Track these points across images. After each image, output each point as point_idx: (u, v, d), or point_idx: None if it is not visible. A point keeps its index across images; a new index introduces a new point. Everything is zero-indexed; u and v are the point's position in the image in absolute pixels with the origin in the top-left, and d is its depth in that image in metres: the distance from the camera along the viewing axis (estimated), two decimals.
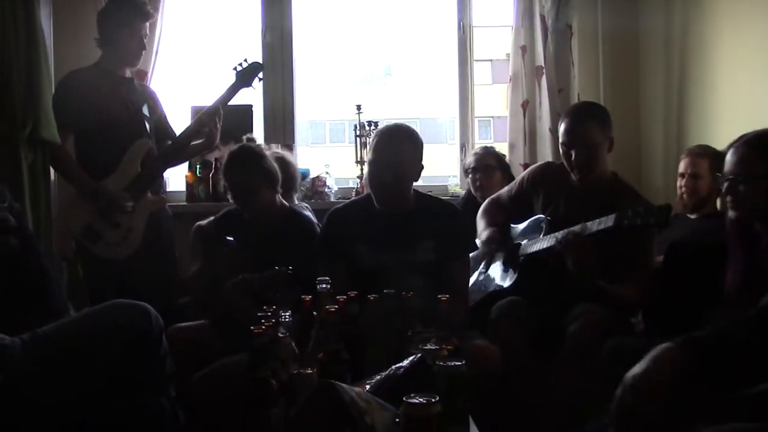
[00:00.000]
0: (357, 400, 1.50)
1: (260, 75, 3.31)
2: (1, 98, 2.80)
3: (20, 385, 1.95)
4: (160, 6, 3.78)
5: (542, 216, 2.77)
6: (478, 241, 2.90)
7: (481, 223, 2.96)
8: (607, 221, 2.40)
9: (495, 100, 10.02)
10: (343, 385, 1.54)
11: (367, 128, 4.02)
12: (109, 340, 2.06)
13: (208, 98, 3.30)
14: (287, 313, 2.03)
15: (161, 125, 3.35)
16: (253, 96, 4.04)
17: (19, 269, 2.20)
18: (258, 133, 4.08)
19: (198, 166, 3.93)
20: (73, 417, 2.01)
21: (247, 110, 4.02)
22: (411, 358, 1.73)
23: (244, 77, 3.27)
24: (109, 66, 3.18)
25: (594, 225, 2.44)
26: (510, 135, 4.03)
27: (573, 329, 2.46)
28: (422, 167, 2.64)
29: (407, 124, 2.74)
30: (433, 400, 1.39)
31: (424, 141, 2.65)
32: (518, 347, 2.51)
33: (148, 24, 3.23)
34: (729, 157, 2.02)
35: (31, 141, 2.87)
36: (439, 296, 2.03)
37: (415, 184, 2.68)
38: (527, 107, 3.96)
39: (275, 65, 4.11)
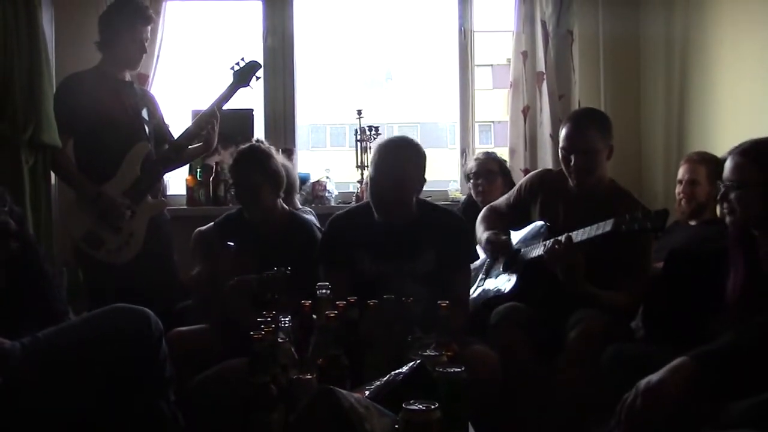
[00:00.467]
0: (356, 406, 1.50)
1: (258, 74, 3.29)
2: (2, 101, 2.81)
3: (20, 389, 1.95)
4: (161, 10, 3.79)
5: (542, 222, 2.77)
6: (478, 246, 2.90)
7: (480, 229, 2.96)
8: (605, 226, 2.40)
9: (496, 105, 10.03)
10: (343, 390, 1.54)
11: (368, 132, 4.03)
12: (109, 344, 2.06)
13: (209, 102, 3.29)
14: (287, 319, 2.03)
15: (160, 129, 3.35)
16: (253, 100, 4.05)
17: (19, 273, 2.20)
18: (258, 137, 4.08)
19: (198, 170, 3.93)
20: (73, 421, 2.01)
21: (247, 114, 4.02)
22: (411, 364, 1.72)
23: (242, 77, 3.26)
24: (109, 69, 3.18)
25: (582, 234, 2.45)
26: (510, 140, 4.03)
27: (573, 335, 2.46)
28: (425, 181, 2.62)
29: (409, 136, 2.72)
30: (432, 406, 1.39)
31: (424, 145, 2.65)
32: (518, 352, 2.50)
33: (149, 28, 3.24)
34: (726, 165, 2.05)
35: (32, 144, 2.88)
36: (439, 302, 2.03)
37: None
38: (528, 113, 3.96)
39: (276, 69, 4.11)
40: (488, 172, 3.56)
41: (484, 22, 4.29)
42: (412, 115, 17.71)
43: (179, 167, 3.55)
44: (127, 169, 3.12)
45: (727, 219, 2.07)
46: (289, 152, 3.89)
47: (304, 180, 4.05)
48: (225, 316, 2.63)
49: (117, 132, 3.10)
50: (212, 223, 3.04)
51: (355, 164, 4.06)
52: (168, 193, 3.98)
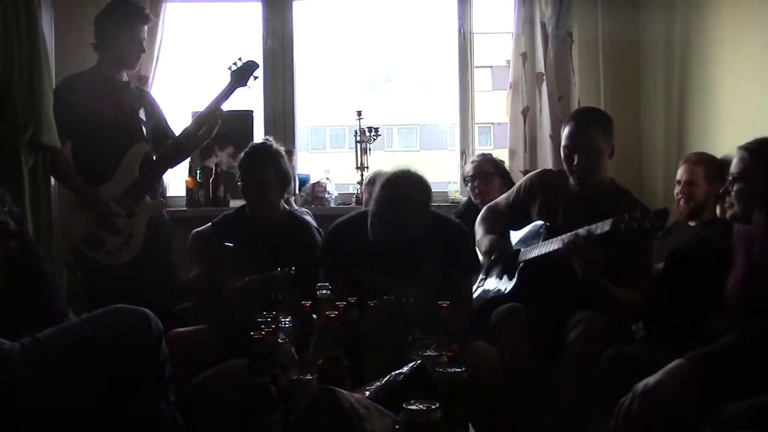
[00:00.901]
0: (357, 406, 1.50)
1: (256, 74, 3.28)
2: (2, 102, 2.81)
3: (20, 390, 1.95)
4: (161, 11, 3.79)
5: (541, 222, 2.77)
6: (477, 250, 2.90)
7: (479, 230, 2.96)
8: (604, 226, 2.40)
9: (495, 107, 10.05)
10: (343, 391, 1.54)
11: (368, 134, 4.03)
12: (109, 344, 2.06)
13: (207, 102, 3.28)
14: (287, 319, 2.03)
15: (160, 128, 3.35)
16: (253, 101, 4.05)
17: (18, 273, 2.20)
18: (258, 138, 4.07)
19: (198, 171, 3.93)
20: (72, 421, 2.01)
21: (247, 116, 4.03)
22: (411, 364, 1.72)
23: (239, 77, 3.26)
24: (105, 70, 3.18)
25: (596, 229, 2.44)
26: (510, 142, 4.03)
27: (573, 336, 2.46)
28: (430, 216, 2.59)
29: (412, 171, 2.61)
30: (433, 406, 1.39)
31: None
32: (519, 353, 2.50)
33: (146, 28, 3.24)
34: (732, 161, 2.10)
35: (32, 145, 2.88)
36: (439, 303, 2.03)
37: None
38: (527, 114, 3.96)
39: (276, 70, 4.12)
40: (484, 174, 3.56)
41: (483, 23, 4.30)
42: (411, 116, 17.73)
43: (183, 161, 3.53)
44: (126, 170, 3.12)
45: (728, 213, 2.09)
46: (289, 153, 3.89)
47: (304, 181, 4.05)
48: (224, 316, 2.63)
49: (115, 133, 3.10)
50: (209, 223, 3.04)
51: (354, 165, 4.07)
52: (168, 194, 3.97)
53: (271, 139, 3.02)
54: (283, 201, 2.92)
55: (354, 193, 4.11)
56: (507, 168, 3.76)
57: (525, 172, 3.76)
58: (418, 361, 1.72)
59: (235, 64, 3.27)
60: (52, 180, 3.11)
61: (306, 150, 14.83)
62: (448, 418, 1.46)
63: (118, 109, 3.14)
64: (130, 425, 2.10)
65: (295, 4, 4.15)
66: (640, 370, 1.85)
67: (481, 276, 2.95)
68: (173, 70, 4.34)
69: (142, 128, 3.21)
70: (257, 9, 4.13)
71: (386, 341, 2.00)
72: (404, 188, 2.55)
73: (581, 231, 2.44)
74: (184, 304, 3.06)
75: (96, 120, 3.07)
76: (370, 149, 4.06)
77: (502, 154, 3.92)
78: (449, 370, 1.57)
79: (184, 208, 3.92)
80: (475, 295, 2.86)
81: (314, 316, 2.09)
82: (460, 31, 4.17)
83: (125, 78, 3.26)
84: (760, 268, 2.02)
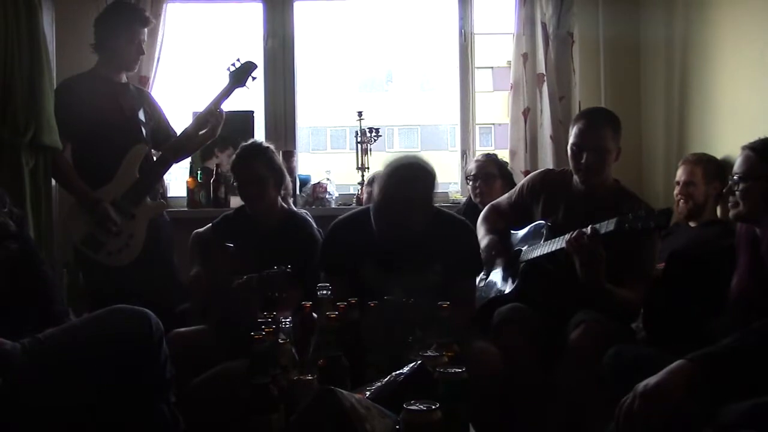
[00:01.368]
0: (357, 406, 1.50)
1: (254, 74, 3.29)
2: (3, 103, 2.81)
3: (20, 390, 1.95)
4: (162, 12, 3.79)
5: (542, 222, 2.77)
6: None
7: (481, 229, 2.96)
8: (609, 225, 2.40)
9: (496, 108, 10.05)
10: (343, 391, 1.54)
11: (368, 135, 4.03)
12: (110, 345, 2.06)
13: (207, 103, 3.29)
14: (287, 319, 2.03)
15: (161, 128, 3.35)
16: (254, 102, 4.06)
17: (19, 274, 2.21)
18: (259, 139, 4.08)
19: (199, 172, 3.93)
20: (73, 422, 2.01)
21: (248, 116, 4.02)
22: (411, 364, 1.72)
23: (238, 77, 3.27)
24: (104, 72, 3.18)
25: (601, 228, 2.44)
26: (511, 142, 4.03)
27: (574, 336, 2.46)
28: (433, 205, 2.58)
29: (419, 157, 2.61)
30: (433, 407, 1.39)
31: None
32: (520, 353, 2.50)
33: (146, 30, 3.24)
34: (736, 160, 2.11)
35: (33, 146, 2.88)
36: (439, 303, 2.03)
37: None
38: (528, 114, 3.96)
39: (276, 71, 4.12)
40: (486, 175, 3.55)
41: (484, 24, 4.29)
42: (412, 117, 17.73)
43: (187, 157, 3.54)
44: (126, 171, 3.12)
45: (731, 212, 2.10)
46: (289, 154, 3.90)
47: (304, 182, 4.05)
48: (225, 317, 2.64)
49: (114, 135, 3.11)
50: (209, 224, 3.04)
51: (355, 166, 4.07)
52: (168, 195, 3.98)
53: (259, 140, 3.03)
54: (281, 199, 2.92)
55: (355, 194, 4.11)
56: (510, 170, 3.76)
57: (526, 173, 3.76)
58: (419, 362, 1.72)
59: (233, 64, 3.27)
60: (53, 181, 3.11)
61: (307, 151, 14.85)
62: (449, 418, 1.46)
63: (117, 111, 3.15)
64: (131, 426, 2.10)
65: (295, 5, 4.14)
66: (640, 370, 1.85)
67: (482, 276, 2.95)
68: (174, 70, 4.34)
69: (141, 129, 3.21)
70: (258, 9, 4.13)
71: (387, 342, 2.00)
72: (407, 178, 2.49)
73: (585, 230, 2.44)
74: (184, 305, 3.06)
75: (95, 122, 3.07)
76: (370, 150, 4.06)
77: (503, 155, 3.92)
78: (450, 370, 1.57)
79: (185, 209, 3.92)
80: (476, 295, 2.86)
81: (315, 315, 2.09)
82: (460, 32, 4.17)
83: (124, 79, 3.26)
84: (766, 267, 2.02)
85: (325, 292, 2.13)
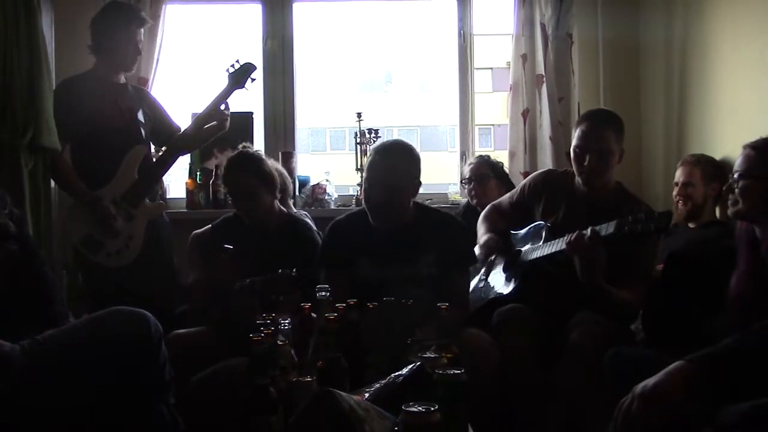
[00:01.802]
0: (356, 408, 1.50)
1: (253, 76, 3.29)
2: (2, 105, 2.81)
3: (20, 392, 1.95)
4: (161, 13, 3.79)
5: (542, 223, 2.77)
6: (477, 247, 2.90)
7: (481, 229, 2.96)
8: (608, 228, 2.40)
9: (495, 109, 10.04)
10: (342, 393, 1.54)
11: (368, 136, 4.02)
12: (109, 347, 2.06)
13: (205, 104, 3.29)
14: (286, 321, 2.03)
15: (163, 126, 3.34)
16: (253, 103, 4.05)
17: (18, 275, 2.20)
18: (258, 140, 4.09)
19: (198, 173, 3.93)
20: (72, 424, 2.01)
21: (247, 117, 4.02)
22: (410, 366, 1.72)
23: (237, 79, 3.26)
24: (103, 73, 3.18)
25: (601, 230, 2.45)
26: (510, 143, 4.03)
27: (574, 337, 2.46)
28: (419, 183, 2.64)
29: (403, 139, 2.76)
30: (432, 408, 1.39)
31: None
32: (520, 353, 2.51)
33: (143, 30, 3.23)
34: (737, 159, 2.12)
35: (32, 147, 2.88)
36: (438, 304, 2.03)
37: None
38: (527, 115, 3.96)
39: (276, 72, 4.12)
40: (480, 176, 3.56)
41: (483, 25, 4.29)
42: (411, 118, 17.72)
43: (190, 153, 3.52)
44: (125, 172, 3.12)
45: (731, 210, 2.10)
46: (288, 155, 3.90)
47: (304, 183, 4.05)
48: (225, 318, 2.63)
49: (113, 136, 3.10)
50: (209, 225, 3.04)
51: (354, 167, 4.06)
52: (168, 196, 3.97)
53: (248, 144, 3.03)
54: (278, 202, 2.91)
55: (354, 195, 4.11)
56: (506, 169, 3.76)
57: (525, 174, 3.76)
58: (418, 363, 1.72)
59: (233, 66, 3.27)
60: (52, 182, 3.11)
61: (306, 152, 14.81)
62: (448, 419, 1.45)
63: (116, 112, 3.14)
64: (130, 428, 2.10)
65: (295, 6, 4.14)
66: (640, 371, 1.84)
67: (481, 276, 2.95)
68: (173, 71, 4.34)
69: (140, 130, 3.21)
70: (257, 11, 4.13)
71: (386, 343, 2.00)
72: (390, 151, 2.64)
73: (585, 231, 2.44)
74: (184, 306, 3.06)
75: (94, 122, 3.07)
76: (370, 151, 4.05)
77: (502, 156, 3.92)
78: (449, 371, 1.57)
79: (184, 210, 3.92)
80: (475, 296, 2.87)
81: (313, 315, 2.09)
82: (460, 33, 4.17)
83: (123, 80, 3.25)
84: (765, 267, 2.02)
85: (324, 293, 2.13)
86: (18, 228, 2.22)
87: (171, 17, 3.94)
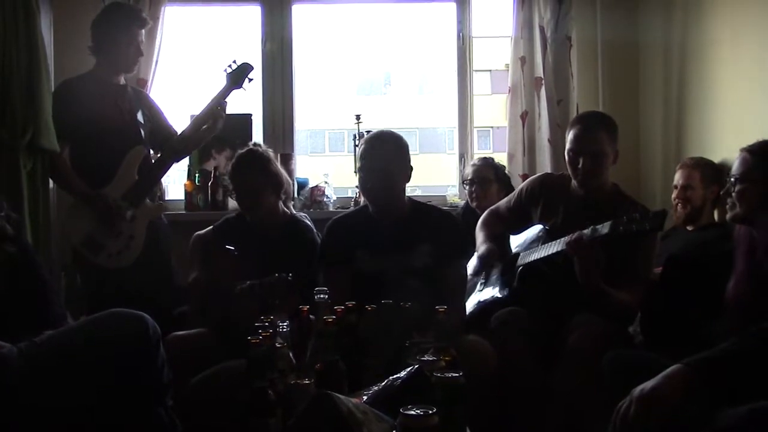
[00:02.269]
0: (354, 411, 1.50)
1: (251, 76, 3.30)
2: (1, 106, 2.81)
3: (18, 394, 1.95)
4: (160, 14, 3.78)
5: (540, 226, 2.77)
6: (476, 255, 2.89)
7: (480, 235, 2.96)
8: (603, 228, 2.41)
9: (494, 111, 10.03)
10: (341, 396, 1.54)
11: None
12: (107, 348, 2.05)
13: (204, 105, 3.28)
14: (285, 323, 2.03)
15: (161, 128, 3.34)
16: (252, 104, 4.05)
17: (16, 278, 2.20)
18: (256, 144, 4.07)
19: (197, 175, 3.93)
20: (70, 426, 2.01)
21: (246, 119, 4.02)
22: (409, 369, 1.72)
23: (235, 79, 3.27)
24: (103, 74, 3.18)
25: (596, 231, 2.45)
26: (509, 145, 4.03)
27: (573, 340, 2.46)
28: (411, 168, 2.71)
29: (393, 131, 2.85)
30: (430, 411, 1.38)
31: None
32: (519, 356, 2.51)
33: (143, 31, 3.23)
34: (734, 162, 2.13)
35: (31, 149, 2.88)
36: (436, 307, 2.03)
37: (414, 194, 2.70)
38: (526, 118, 3.96)
39: (275, 74, 4.12)
40: (483, 180, 3.55)
41: (482, 27, 4.30)
42: (410, 120, 17.70)
43: (187, 156, 3.53)
44: (125, 173, 3.12)
45: (729, 214, 2.11)
46: (287, 157, 3.90)
47: (302, 185, 4.05)
48: (224, 320, 2.63)
49: (113, 137, 3.10)
50: (211, 227, 3.04)
51: (353, 169, 4.06)
52: (166, 197, 3.97)
53: (259, 143, 3.03)
54: (281, 203, 2.92)
55: (353, 197, 4.10)
56: (507, 173, 3.76)
57: (524, 176, 3.76)
58: (416, 366, 1.72)
59: (230, 66, 3.27)
60: (51, 184, 3.11)
61: (305, 154, 14.82)
62: (446, 422, 1.45)
63: (116, 113, 3.14)
64: (129, 429, 2.10)
65: (294, 8, 4.14)
66: (638, 374, 1.84)
67: (480, 280, 2.95)
68: (173, 73, 4.34)
69: (140, 131, 3.21)
70: (256, 12, 4.13)
71: (384, 346, 2.00)
72: (381, 135, 2.77)
73: (585, 231, 2.46)
74: (183, 308, 3.06)
75: (94, 123, 3.06)
76: None
77: (501, 158, 3.92)
78: (447, 374, 1.57)
79: (183, 212, 3.92)
80: (473, 300, 2.87)
81: (312, 317, 2.09)
82: (459, 35, 4.17)
83: (122, 81, 3.25)
84: (763, 270, 2.02)
85: (322, 296, 2.13)
86: (16, 230, 2.22)
87: (170, 18, 3.94)
